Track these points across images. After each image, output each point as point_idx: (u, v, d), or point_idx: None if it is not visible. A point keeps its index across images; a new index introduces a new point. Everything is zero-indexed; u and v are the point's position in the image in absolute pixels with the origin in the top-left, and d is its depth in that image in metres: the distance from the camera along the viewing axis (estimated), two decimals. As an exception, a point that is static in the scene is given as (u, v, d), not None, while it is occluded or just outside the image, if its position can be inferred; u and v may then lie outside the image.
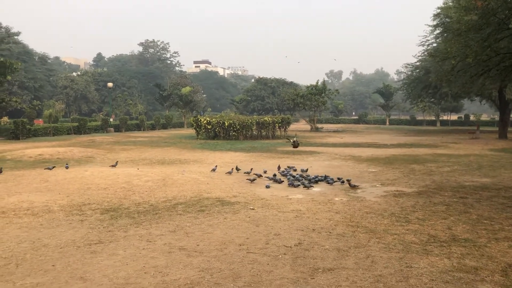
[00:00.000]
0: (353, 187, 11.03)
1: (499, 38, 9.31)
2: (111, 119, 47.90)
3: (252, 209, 8.60)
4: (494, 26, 8.98)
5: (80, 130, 37.55)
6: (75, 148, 21.33)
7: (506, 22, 8.65)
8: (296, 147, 14.14)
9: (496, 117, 73.92)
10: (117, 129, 42.38)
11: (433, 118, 66.48)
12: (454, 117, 70.03)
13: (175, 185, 11.12)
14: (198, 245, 6.26)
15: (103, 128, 40.75)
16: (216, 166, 14.49)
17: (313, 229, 7.10)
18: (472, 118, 66.78)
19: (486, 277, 5.06)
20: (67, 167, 14.01)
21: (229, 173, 13.16)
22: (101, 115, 50.37)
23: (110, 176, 11.98)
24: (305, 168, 14.19)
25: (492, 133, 37.05)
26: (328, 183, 11.55)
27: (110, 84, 47.49)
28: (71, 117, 46.07)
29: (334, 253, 5.89)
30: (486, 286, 4.79)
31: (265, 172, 13.28)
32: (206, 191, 10.52)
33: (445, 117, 68.85)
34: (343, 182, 11.71)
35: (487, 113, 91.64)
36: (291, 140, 14.55)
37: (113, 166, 14.49)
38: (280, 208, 8.70)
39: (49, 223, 7.57)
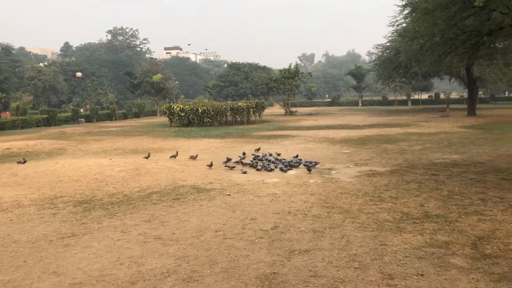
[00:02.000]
0: (309, 170, 10.91)
1: (464, 16, 9.45)
2: (86, 109, 46.90)
3: (228, 195, 8.58)
4: (460, 5, 9.10)
5: (50, 122, 36.64)
6: (45, 140, 20.81)
7: (471, 1, 8.76)
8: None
9: (465, 94, 75.74)
10: (88, 119, 41.53)
11: (404, 98, 67.54)
12: (424, 96, 71.29)
13: (149, 174, 10.98)
14: (174, 233, 6.21)
15: (73, 119, 39.88)
16: (176, 152, 14.55)
17: (289, 212, 7.14)
18: (442, 96, 68.14)
19: (457, 250, 5.19)
20: (23, 162, 13.27)
21: (209, 166, 12.14)
22: (71, 106, 49.15)
23: (82, 167, 11.73)
24: (278, 152, 14.23)
25: (461, 111, 37.87)
26: (307, 167, 11.37)
27: (79, 74, 46.35)
28: (40, 108, 44.72)
29: (309, 235, 5.93)
30: (457, 259, 4.92)
31: (244, 154, 13.48)
32: (181, 179, 10.43)
33: (416, 97, 70.07)
34: (315, 163, 11.74)
35: (457, 91, 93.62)
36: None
37: (173, 156, 14.18)
38: (256, 192, 8.71)
39: (19, 218, 7.38)
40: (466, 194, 7.94)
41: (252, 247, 5.51)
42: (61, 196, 8.95)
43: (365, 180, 9.67)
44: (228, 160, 12.64)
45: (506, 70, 36.53)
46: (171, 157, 14.11)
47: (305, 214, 6.97)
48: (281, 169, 11.14)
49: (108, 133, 26.27)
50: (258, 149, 14.75)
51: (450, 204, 7.28)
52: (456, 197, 7.79)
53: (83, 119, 40.33)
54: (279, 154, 13.90)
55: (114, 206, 7.97)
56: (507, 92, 74.57)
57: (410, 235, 5.81)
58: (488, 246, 5.29)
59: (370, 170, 10.85)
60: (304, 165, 11.36)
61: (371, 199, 7.87)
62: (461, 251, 5.18)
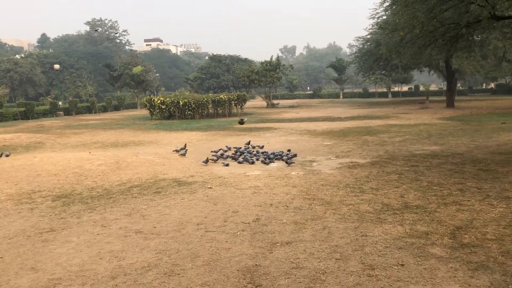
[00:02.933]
0: (288, 163, 10.86)
1: (444, 8, 9.52)
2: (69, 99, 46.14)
3: (210, 188, 8.54)
4: (438, -3, 9.21)
5: (27, 115, 35.93)
6: (22, 134, 20.38)
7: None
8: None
9: (444, 86, 76.85)
10: (67, 112, 40.85)
11: (384, 90, 68.29)
12: (404, 88, 72.18)
13: (129, 167, 10.86)
14: (155, 227, 6.16)
15: (52, 112, 39.17)
16: (185, 145, 13.79)
17: (271, 204, 7.14)
18: (422, 88, 69.07)
19: (436, 240, 5.27)
20: (7, 155, 13.08)
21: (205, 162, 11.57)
22: (49, 99, 48.24)
23: (60, 161, 11.53)
24: (261, 145, 14.22)
25: (440, 103, 38.45)
26: (286, 161, 11.37)
27: (56, 66, 45.49)
28: (17, 101, 43.80)
29: (291, 227, 5.95)
30: (436, 249, 4.99)
31: (228, 149, 13.37)
32: (162, 172, 10.34)
33: (396, 89, 70.86)
34: (293, 156, 11.81)
35: (436, 83, 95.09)
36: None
37: (176, 151, 13.42)
38: (238, 185, 8.69)
39: (-4, 214, 7.21)
40: (445, 185, 8.05)
41: (234, 240, 5.49)
42: (39, 191, 8.78)
43: (346, 171, 9.73)
44: (215, 153, 12.59)
45: (483, 62, 37.22)
46: (179, 154, 13.16)
47: (287, 206, 6.98)
48: (263, 162, 11.12)
49: (88, 126, 25.89)
50: (249, 142, 14.54)
51: (430, 195, 7.38)
52: (435, 187, 7.90)
53: (61, 112, 39.65)
54: (262, 147, 13.90)
55: (94, 200, 7.86)
56: (484, 84, 75.96)
57: (391, 225, 5.87)
58: (466, 236, 5.38)
59: (351, 162, 10.93)
60: (283, 159, 11.35)
61: (352, 190, 7.93)
62: (440, 241, 5.25)
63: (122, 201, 7.71)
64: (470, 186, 7.87)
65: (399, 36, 11.84)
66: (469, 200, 6.97)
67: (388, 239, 5.38)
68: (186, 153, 12.93)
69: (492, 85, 70.51)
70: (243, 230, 5.85)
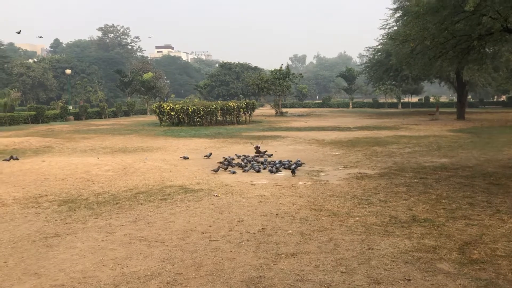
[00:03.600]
0: (294, 173, 10.75)
1: (455, 20, 9.45)
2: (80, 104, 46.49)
3: (216, 196, 8.50)
4: (450, 9, 9.08)
5: (38, 119, 36.23)
6: (32, 137, 20.55)
7: (461, 5, 8.76)
8: (259, 153, 14.06)
9: (455, 98, 76.35)
10: (77, 117, 41.15)
11: (394, 100, 67.96)
12: (414, 99, 71.86)
13: (136, 173, 10.86)
14: (159, 234, 6.12)
15: (62, 116, 39.45)
16: (210, 153, 14.06)
17: (277, 214, 7.08)
18: (432, 100, 68.65)
19: (444, 255, 5.17)
20: (14, 159, 13.03)
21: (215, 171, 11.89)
22: (60, 103, 48.67)
23: (68, 166, 11.59)
24: (270, 153, 14.17)
25: (450, 114, 38.19)
26: (291, 170, 11.32)
27: (68, 71, 45.90)
28: (28, 105, 44.23)
29: (297, 238, 5.88)
30: (444, 264, 4.89)
31: (238, 157, 13.41)
32: (169, 179, 10.33)
33: (406, 100, 70.50)
34: (299, 165, 11.80)
35: (446, 94, 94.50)
36: (255, 146, 14.44)
37: (184, 157, 13.64)
38: (244, 194, 8.63)
39: (2, 217, 7.22)
40: (454, 198, 7.94)
41: (238, 250, 5.44)
42: (46, 195, 8.80)
43: (354, 182, 9.64)
44: (225, 159, 12.65)
45: (495, 75, 36.93)
46: (205, 156, 13.93)
47: (293, 217, 6.91)
48: (270, 171, 11.03)
49: (97, 132, 26.02)
50: (257, 147, 14.40)
51: (438, 208, 7.27)
52: (444, 201, 7.78)
53: (71, 117, 39.93)
54: (271, 155, 13.85)
55: (99, 206, 7.85)
56: (495, 97, 75.33)
57: (398, 239, 5.78)
58: (475, 251, 5.27)
59: (359, 173, 10.83)
60: (290, 168, 11.27)
61: (359, 202, 7.84)
62: (448, 256, 5.15)
63: (128, 208, 7.69)
64: (480, 200, 7.74)
65: (409, 47, 11.75)
66: (478, 215, 6.85)
67: (395, 252, 5.29)
68: (210, 155, 13.86)
69: (504, 97, 69.91)
70: (248, 240, 5.79)
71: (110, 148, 17.28)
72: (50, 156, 14.66)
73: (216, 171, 11.14)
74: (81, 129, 28.12)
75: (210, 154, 13.99)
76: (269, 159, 13.11)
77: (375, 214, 7.02)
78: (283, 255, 5.24)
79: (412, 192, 8.57)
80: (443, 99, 79.60)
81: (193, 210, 7.43)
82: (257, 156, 13.52)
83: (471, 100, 67.85)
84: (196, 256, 5.23)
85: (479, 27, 9.36)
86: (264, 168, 11.49)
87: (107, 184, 9.81)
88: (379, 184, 9.37)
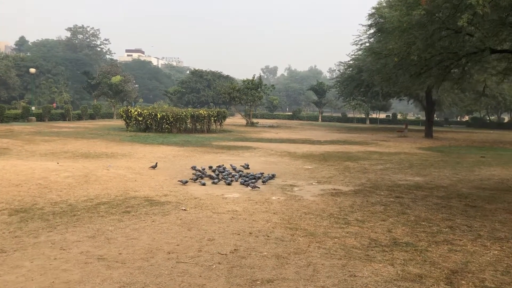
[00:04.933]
0: (253, 188, 10.18)
1: (443, 35, 9.29)
2: (54, 107, 44.72)
3: (184, 209, 7.92)
4: (439, 24, 8.92)
5: (-3, 118, 34.49)
6: (-12, 138, 19.32)
7: (450, 21, 8.59)
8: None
9: (421, 116, 78.11)
10: (40, 118, 39.47)
11: (363, 116, 68.83)
12: (382, 115, 72.90)
13: (98, 182, 10.14)
14: (120, 253, 5.50)
15: (24, 116, 37.74)
16: (156, 163, 13.09)
17: (250, 233, 6.58)
18: (399, 116, 69.91)
19: (431, 286, 4.79)
20: None
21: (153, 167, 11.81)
22: (22, 103, 46.69)
23: (25, 171, 10.73)
24: (246, 164, 13.63)
25: (418, 132, 38.76)
26: (263, 182, 10.94)
27: (32, 70, 44.07)
28: (-13, 104, 42.16)
29: (273, 261, 5.38)
30: (433, 297, 4.51)
31: (210, 168, 12.75)
32: (133, 189, 9.66)
33: (374, 115, 71.51)
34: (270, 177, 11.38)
35: (413, 112, 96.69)
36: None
37: (152, 167, 12.68)
38: (215, 208, 8.09)
39: None
40: (433, 221, 7.64)
41: (208, 274, 4.89)
42: (-4, 203, 7.99)
43: (329, 199, 9.25)
44: (195, 169, 12.05)
45: (461, 95, 37.80)
46: (150, 167, 12.73)
47: (268, 236, 6.42)
48: (249, 185, 10.38)
49: (59, 134, 24.85)
50: (248, 166, 13.53)
51: (419, 231, 6.94)
52: (423, 223, 7.48)
53: (34, 118, 38.24)
54: (247, 167, 13.34)
55: (55, 217, 7.13)
56: (459, 117, 77.54)
57: (381, 265, 5.38)
58: (463, 282, 4.92)
59: (334, 189, 10.47)
60: (263, 181, 10.86)
61: (336, 221, 7.43)
62: (435, 286, 4.78)
63: (87, 220, 7.01)
64: (460, 224, 7.48)
65: (393, 62, 11.56)
66: (460, 240, 6.55)
67: (379, 281, 4.87)
68: (156, 166, 12.73)
69: (467, 118, 72.02)
70: (219, 263, 5.25)
71: (72, 152, 16.36)
72: (6, 159, 13.65)
73: (184, 182, 10.53)
74: (43, 131, 26.83)
75: (156, 164, 12.88)
76: (245, 171, 12.61)
77: (353, 235, 6.62)
78: (258, 282, 4.74)
79: (389, 212, 8.24)
80: (409, 116, 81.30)
81: (159, 225, 6.83)
82: (236, 167, 12.97)
83: (437, 119, 69.51)
84: (161, 282, 4.65)
85: (468, 44, 9.23)
86: (236, 181, 10.97)
87: (66, 192, 9.06)
88: (354, 202, 9.02)
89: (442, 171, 14.35)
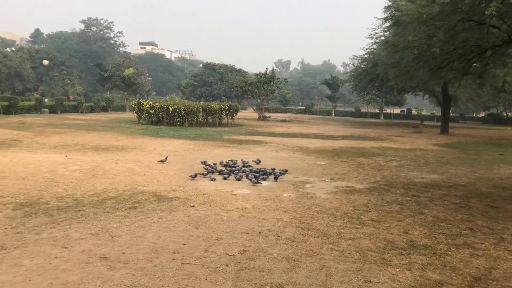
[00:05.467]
0: (276, 179, 10.26)
1: (466, 26, 8.81)
2: (70, 100, 44.92)
3: (193, 206, 7.66)
4: (463, 15, 8.45)
5: (10, 110, 34.61)
6: (-1, 129, 19.31)
7: (472, 12, 8.14)
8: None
9: (436, 112, 76.95)
10: (53, 110, 39.60)
11: (377, 111, 68.01)
12: (396, 110, 71.99)
13: (106, 176, 9.94)
14: (123, 252, 5.26)
15: (36, 108, 37.86)
16: (166, 157, 12.74)
17: (260, 232, 6.29)
18: (414, 112, 68.95)
19: (453, 294, 4.47)
20: None
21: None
22: (35, 95, 46.92)
23: (32, 163, 10.59)
24: (257, 160, 13.33)
25: (433, 128, 38.06)
26: (275, 178, 10.63)
27: (45, 62, 44.34)
28: (0, 95, 42.41)
29: (283, 264, 5.10)
30: (455, 307, 4.18)
31: (221, 163, 12.45)
32: (141, 183, 9.44)
33: (388, 110, 70.63)
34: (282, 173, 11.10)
35: (427, 107, 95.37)
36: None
37: (162, 161, 12.43)
38: (224, 205, 7.82)
39: None
40: (452, 222, 7.28)
41: (215, 278, 4.62)
42: (1, 196, 7.82)
43: (342, 197, 8.93)
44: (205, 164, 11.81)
45: (479, 91, 36.97)
46: (160, 161, 12.47)
47: (278, 236, 6.13)
48: (251, 180, 10.15)
49: (71, 126, 24.81)
50: (259, 161, 13.23)
51: (437, 233, 6.59)
52: (442, 224, 7.12)
53: (46, 110, 38.37)
54: (258, 162, 13.06)
55: (60, 213, 6.93)
56: (475, 113, 76.19)
57: (397, 269, 5.06)
58: (487, 290, 4.59)
59: (347, 186, 10.13)
60: (274, 177, 10.57)
61: (350, 221, 7.12)
62: (458, 295, 4.45)
63: (92, 216, 6.79)
64: (481, 226, 7.10)
65: (411, 55, 11.08)
66: (482, 243, 6.19)
67: (396, 287, 4.56)
68: (166, 160, 12.50)
69: (483, 114, 70.74)
70: (226, 265, 4.98)
71: (82, 145, 16.23)
72: (15, 151, 13.55)
73: (193, 177, 10.28)
74: (55, 123, 26.83)
75: (166, 158, 12.67)
76: (255, 166, 12.33)
77: (368, 236, 6.30)
78: (267, 287, 4.46)
79: (406, 212, 7.89)
80: (424, 112, 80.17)
81: (166, 223, 6.58)
82: (247, 162, 12.68)
83: (452, 114, 68.43)
84: (163, 285, 4.39)
85: (492, 36, 8.75)
86: (247, 176, 10.68)
87: (73, 186, 8.87)
88: (369, 201, 8.68)
89: (460, 168, 13.90)
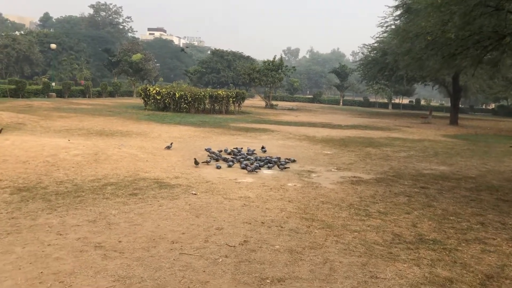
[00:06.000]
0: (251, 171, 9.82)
1: (483, 12, 8.41)
2: (81, 84, 44.80)
3: (195, 194, 7.46)
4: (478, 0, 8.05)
5: (18, 93, 34.56)
6: (5, 112, 19.14)
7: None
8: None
9: (445, 102, 76.05)
10: (60, 94, 39.52)
11: (385, 100, 67.33)
12: (405, 100, 71.23)
13: (108, 161, 9.76)
14: (120, 241, 5.07)
15: (44, 92, 37.81)
16: (171, 143, 12.58)
17: (262, 222, 6.08)
18: (423, 102, 68.17)
19: (463, 293, 4.24)
20: None
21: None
22: (43, 79, 46.84)
23: (34, 147, 10.40)
24: (263, 149, 13.10)
25: (442, 119, 37.54)
26: (279, 167, 10.37)
27: (53, 46, 44.17)
28: (8, 78, 42.39)
29: (285, 256, 4.89)
30: (466, 307, 3.95)
31: (225, 151, 12.27)
32: (144, 169, 9.25)
33: (397, 101, 69.91)
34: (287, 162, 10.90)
35: (436, 98, 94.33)
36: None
37: (168, 147, 12.31)
38: (227, 194, 7.61)
39: None
40: (462, 215, 7.02)
41: (213, 270, 4.42)
42: (0, 180, 7.67)
43: (349, 188, 8.68)
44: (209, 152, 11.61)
45: (490, 82, 36.31)
46: (166, 148, 12.33)
47: (281, 227, 5.92)
48: (246, 168, 9.86)
49: (77, 111, 24.68)
50: (265, 150, 13.04)
51: (447, 227, 6.34)
52: (451, 218, 6.87)
53: (54, 94, 38.31)
54: (265, 151, 12.85)
55: (58, 198, 6.76)
56: (484, 104, 75.20)
57: (405, 265, 4.83)
58: (500, 289, 4.35)
59: (354, 177, 9.88)
60: (279, 166, 10.31)
61: (356, 212, 6.88)
62: (468, 293, 4.22)
63: (90, 202, 6.61)
64: (492, 220, 6.84)
65: (424, 42, 10.65)
66: (494, 238, 5.94)
67: (404, 284, 4.34)
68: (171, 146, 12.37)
69: (493, 105, 69.78)
70: (226, 256, 4.78)
71: (87, 129, 16.07)
72: (19, 134, 13.42)
73: (196, 164, 10.08)
74: (61, 107, 26.72)
75: (171, 144, 12.53)
76: (263, 155, 12.12)
77: (375, 229, 6.07)
78: (268, 280, 4.25)
79: (414, 204, 7.64)
80: (433, 103, 79.26)
81: (166, 210, 6.38)
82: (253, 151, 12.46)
83: (461, 106, 67.59)
84: (159, 276, 4.20)
85: (510, 23, 8.36)
86: (252, 164, 10.45)
87: (73, 171, 8.70)
88: (376, 192, 8.43)
89: (469, 160, 13.59)
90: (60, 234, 5.20)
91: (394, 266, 4.79)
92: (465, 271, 4.75)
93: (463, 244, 5.64)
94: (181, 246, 5.02)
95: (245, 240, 5.31)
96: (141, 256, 4.67)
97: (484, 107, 73.60)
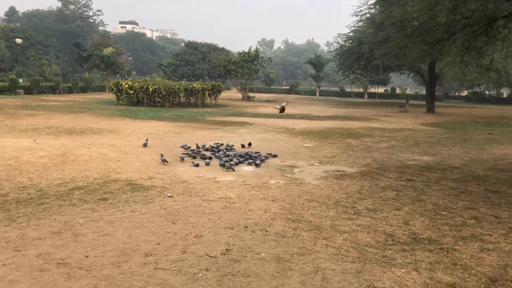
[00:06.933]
0: (257, 166, 9.52)
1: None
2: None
3: (170, 196, 6.92)
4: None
5: (-18, 91, 33.08)
6: (-33, 112, 18.13)
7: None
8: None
9: (419, 91, 76.89)
10: (28, 91, 38.01)
11: (361, 90, 67.56)
12: (381, 90, 71.63)
13: (77, 162, 9.10)
14: (87, 256, 4.51)
15: (11, 89, 36.28)
16: (147, 140, 11.96)
17: (245, 226, 5.60)
18: (398, 91, 68.70)
19: (469, 300, 3.86)
20: None
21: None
22: (9, 75, 45.04)
23: (-5, 149, 9.66)
24: (249, 143, 12.59)
25: (418, 107, 37.72)
26: (256, 165, 9.82)
27: (19, 40, 42.37)
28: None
29: (273, 266, 4.42)
30: (476, 318, 3.57)
31: (203, 147, 11.70)
32: (115, 170, 8.64)
33: (372, 90, 70.23)
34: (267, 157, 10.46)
35: (411, 86, 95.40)
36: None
37: (144, 145, 11.69)
38: (206, 195, 7.10)
39: None
40: (454, 210, 6.69)
41: (193, 287, 3.92)
42: (-46, 188, 6.97)
43: (333, 183, 8.28)
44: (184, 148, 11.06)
45: (464, 69, 36.53)
46: (143, 145, 11.72)
47: (266, 231, 5.45)
48: (223, 166, 9.33)
49: (46, 108, 23.63)
50: (250, 144, 12.59)
51: (440, 223, 5.99)
52: (443, 213, 6.52)
53: (21, 91, 36.81)
54: (250, 145, 12.36)
55: (19, 206, 6.12)
56: (457, 92, 76.32)
57: (403, 270, 4.43)
58: (507, 295, 3.99)
59: (338, 171, 9.49)
60: (255, 164, 9.75)
61: (344, 210, 6.47)
62: (475, 301, 3.84)
63: (55, 210, 6.00)
64: (485, 214, 6.53)
65: (410, 27, 10.26)
66: (491, 235, 5.61)
67: (404, 294, 3.93)
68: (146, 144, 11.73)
69: (466, 92, 70.90)
70: (206, 270, 4.28)
71: (56, 128, 15.25)
72: (-20, 135, 12.57)
73: (163, 161, 9.52)
74: (29, 105, 25.58)
75: (147, 141, 12.00)
76: (242, 150, 11.63)
77: (366, 229, 5.67)
78: (255, 297, 3.78)
79: (403, 199, 7.29)
80: (408, 91, 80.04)
81: (139, 217, 5.83)
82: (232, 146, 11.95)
83: (436, 93, 68.34)
84: (131, 299, 3.68)
85: (500, 7, 8.02)
86: (231, 161, 9.94)
87: (38, 174, 8.03)
88: (362, 187, 8.06)
89: (452, 149, 13.40)
90: (18, 251, 4.61)
91: (391, 272, 4.38)
92: (467, 275, 4.38)
93: (460, 243, 5.28)
94: (156, 259, 4.49)
95: (227, 249, 4.82)
96: (110, 273, 4.12)
97: (457, 94, 74.70)
